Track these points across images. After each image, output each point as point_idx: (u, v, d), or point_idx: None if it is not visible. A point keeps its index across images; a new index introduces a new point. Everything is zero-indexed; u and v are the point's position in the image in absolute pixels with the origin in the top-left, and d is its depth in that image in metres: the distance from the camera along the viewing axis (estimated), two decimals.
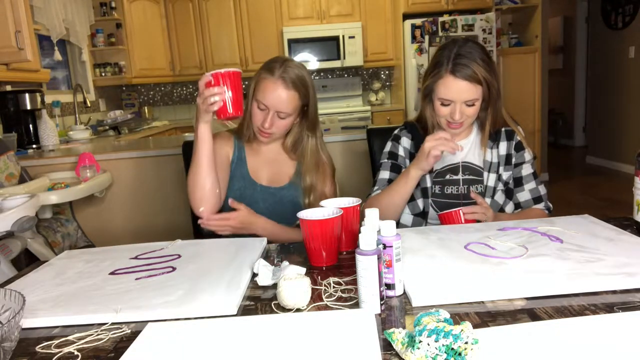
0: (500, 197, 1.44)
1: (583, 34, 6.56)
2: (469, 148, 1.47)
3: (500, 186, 1.45)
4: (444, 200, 1.44)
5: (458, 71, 1.32)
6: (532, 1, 4.73)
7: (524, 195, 1.46)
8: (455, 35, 4.28)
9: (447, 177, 1.45)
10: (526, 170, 1.46)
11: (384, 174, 1.52)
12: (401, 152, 1.53)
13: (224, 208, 1.44)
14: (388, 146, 1.55)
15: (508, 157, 1.45)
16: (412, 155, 1.50)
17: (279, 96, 1.38)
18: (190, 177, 1.37)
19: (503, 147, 1.45)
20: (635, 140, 5.00)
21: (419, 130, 1.50)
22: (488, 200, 1.43)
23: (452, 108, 1.36)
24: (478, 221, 1.30)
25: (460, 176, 1.45)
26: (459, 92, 1.33)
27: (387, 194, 1.42)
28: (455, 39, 1.40)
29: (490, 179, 1.44)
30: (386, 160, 1.54)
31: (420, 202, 1.46)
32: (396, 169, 1.51)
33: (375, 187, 1.51)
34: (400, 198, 1.40)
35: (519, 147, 1.46)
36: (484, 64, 1.33)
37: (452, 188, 1.44)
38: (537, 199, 1.45)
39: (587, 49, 6.38)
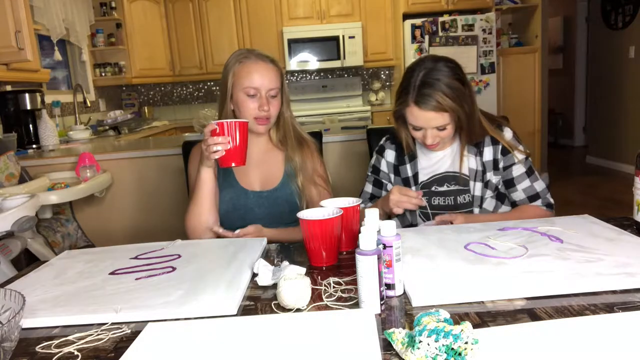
0: (489, 204, 1.43)
1: (583, 34, 6.56)
2: (452, 158, 1.45)
3: (489, 193, 1.42)
4: (431, 211, 1.43)
5: (422, 102, 1.29)
6: (532, 1, 4.73)
7: (518, 195, 1.43)
8: (455, 35, 4.28)
9: (433, 188, 1.44)
10: (517, 170, 1.41)
11: (367, 188, 1.55)
12: (384, 167, 1.52)
13: (222, 219, 1.45)
14: (373, 158, 1.56)
15: (495, 162, 1.42)
16: (395, 168, 1.50)
17: (267, 73, 1.39)
18: (192, 216, 1.38)
19: (488, 152, 1.42)
20: (635, 140, 5.00)
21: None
22: (476, 210, 1.42)
23: (424, 133, 1.35)
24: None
25: (446, 187, 1.44)
26: (426, 120, 1.32)
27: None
28: (425, 58, 1.36)
29: (476, 189, 1.41)
30: (370, 174, 1.56)
31: (408, 215, 1.46)
32: (378, 185, 1.54)
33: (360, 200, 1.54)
34: None
35: (506, 150, 1.41)
36: (450, 91, 1.28)
37: (438, 199, 1.43)
38: (532, 197, 1.42)
39: (587, 49, 6.38)
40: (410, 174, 1.47)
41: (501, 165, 1.42)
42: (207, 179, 1.35)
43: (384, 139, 1.55)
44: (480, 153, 1.42)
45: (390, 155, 1.51)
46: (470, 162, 1.42)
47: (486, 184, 1.42)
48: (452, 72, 1.31)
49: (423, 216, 1.45)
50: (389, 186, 1.51)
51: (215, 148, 1.22)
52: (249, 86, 1.38)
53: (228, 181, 1.47)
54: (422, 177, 1.46)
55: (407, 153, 1.48)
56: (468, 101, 1.33)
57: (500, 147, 1.41)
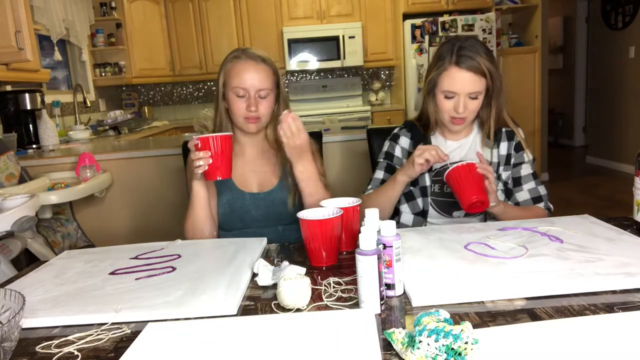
0: (500, 197, 1.44)
1: (583, 34, 6.56)
2: (469, 147, 1.47)
3: (500, 186, 1.45)
4: (443, 199, 1.44)
5: (462, 62, 1.32)
6: (532, 1, 4.73)
7: (522, 195, 1.45)
8: (455, 35, 4.28)
9: None
10: (525, 170, 1.45)
11: (379, 174, 1.54)
12: (398, 152, 1.53)
13: (220, 221, 1.46)
14: (386, 145, 1.56)
15: (508, 157, 1.45)
16: (409, 155, 1.50)
17: (256, 74, 1.38)
18: (189, 225, 1.38)
19: (503, 147, 1.45)
20: (635, 140, 5.00)
21: (419, 129, 1.50)
22: None
23: (456, 101, 1.36)
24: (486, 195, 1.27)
25: None
26: (463, 83, 1.33)
27: (376, 195, 1.44)
28: (457, 36, 1.40)
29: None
30: (382, 160, 1.55)
31: (420, 201, 1.46)
32: (390, 170, 1.52)
33: (369, 187, 1.53)
34: (387, 201, 1.41)
35: (519, 148, 1.46)
36: (487, 57, 1.34)
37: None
38: (536, 199, 1.45)
39: (587, 49, 6.39)
40: None
41: (512, 161, 1.46)
42: (198, 191, 1.35)
43: (397, 128, 1.56)
44: (497, 146, 1.45)
45: (404, 141, 1.52)
46: (486, 154, 1.44)
47: (498, 177, 1.44)
48: (484, 45, 1.38)
49: (435, 204, 1.45)
50: None
51: (198, 163, 1.22)
52: (237, 86, 1.38)
53: (225, 183, 1.46)
54: (436, 165, 1.46)
55: (430, 132, 1.49)
56: (499, 73, 1.39)
57: (514, 143, 1.45)
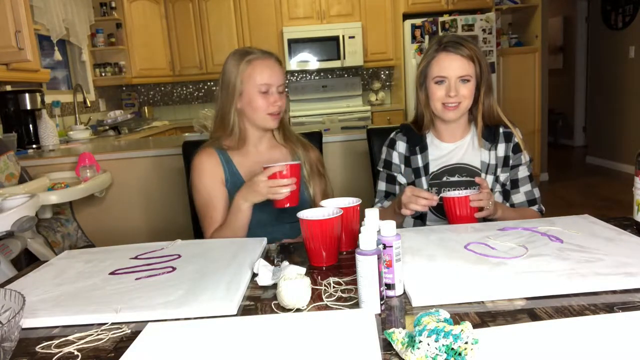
0: (497, 199, 1.44)
1: (583, 34, 6.56)
2: (465, 149, 1.47)
3: (498, 188, 1.45)
4: (441, 202, 1.43)
5: (450, 46, 1.36)
6: (532, 1, 4.73)
7: (519, 197, 1.46)
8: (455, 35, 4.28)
9: (444, 179, 1.45)
10: (523, 172, 1.46)
11: (381, 186, 1.55)
12: (395, 159, 1.53)
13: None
14: (383, 153, 1.56)
15: (506, 158, 1.45)
16: (406, 159, 1.51)
17: (278, 70, 1.44)
18: (220, 236, 1.39)
19: (501, 148, 1.45)
20: (635, 140, 5.00)
21: (415, 131, 1.50)
22: None
23: (447, 86, 1.37)
24: (480, 209, 1.27)
25: (457, 178, 1.45)
26: (452, 66, 1.36)
27: (383, 217, 1.44)
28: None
29: (487, 181, 1.42)
30: (382, 170, 1.56)
31: None
32: (390, 180, 1.54)
33: (376, 200, 1.55)
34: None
35: (517, 149, 1.45)
36: (476, 47, 1.38)
37: (449, 190, 1.44)
38: (531, 202, 1.46)
39: (587, 49, 6.38)
40: (420, 164, 1.47)
41: (511, 163, 1.46)
42: (247, 214, 1.35)
43: (393, 133, 1.57)
44: (494, 147, 1.45)
45: (401, 146, 1.52)
46: (483, 156, 1.44)
47: (496, 179, 1.44)
48: (472, 40, 1.41)
49: (433, 208, 1.44)
50: (400, 177, 1.52)
51: (283, 190, 1.24)
52: (262, 83, 1.40)
53: (234, 183, 1.46)
54: (433, 168, 1.47)
55: (425, 130, 1.49)
56: (488, 66, 1.41)
57: (512, 145, 1.45)
